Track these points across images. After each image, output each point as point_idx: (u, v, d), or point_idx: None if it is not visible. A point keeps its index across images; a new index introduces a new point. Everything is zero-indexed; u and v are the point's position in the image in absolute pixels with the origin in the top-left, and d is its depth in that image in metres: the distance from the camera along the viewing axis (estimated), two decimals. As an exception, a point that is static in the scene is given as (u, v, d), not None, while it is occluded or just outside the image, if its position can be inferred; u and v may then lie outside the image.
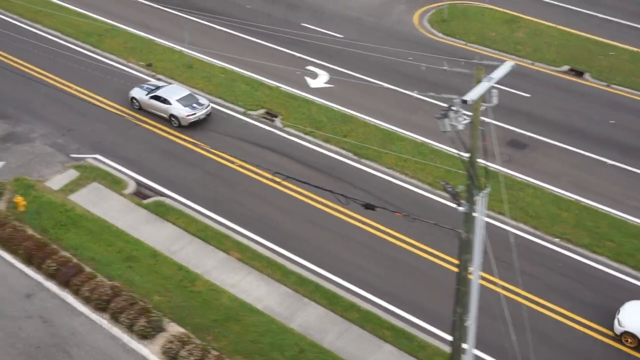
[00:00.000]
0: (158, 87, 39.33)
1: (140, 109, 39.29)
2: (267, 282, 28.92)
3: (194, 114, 37.68)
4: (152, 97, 38.51)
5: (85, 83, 41.48)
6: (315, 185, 32.95)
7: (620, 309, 26.58)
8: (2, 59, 43.75)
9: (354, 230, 31.58)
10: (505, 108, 37.13)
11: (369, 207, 23.15)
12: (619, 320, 26.17)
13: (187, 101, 38.03)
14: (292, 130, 37.95)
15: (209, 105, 38.64)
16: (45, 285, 28.80)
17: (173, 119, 37.94)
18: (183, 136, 37.29)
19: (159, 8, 50.13)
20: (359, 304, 27.89)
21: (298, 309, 27.70)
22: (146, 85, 39.83)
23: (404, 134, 37.59)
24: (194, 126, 37.94)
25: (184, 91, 38.90)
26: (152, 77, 42.38)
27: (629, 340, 25.99)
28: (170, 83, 41.02)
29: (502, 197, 31.71)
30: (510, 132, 37.66)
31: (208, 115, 38.44)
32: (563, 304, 27.94)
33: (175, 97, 38.05)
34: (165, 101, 38.06)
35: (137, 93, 39.27)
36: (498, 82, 17.75)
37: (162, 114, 38.33)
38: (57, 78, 41.98)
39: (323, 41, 45.35)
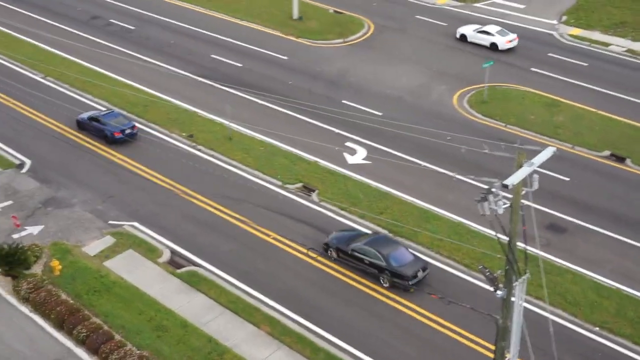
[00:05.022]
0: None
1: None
2: (296, 358, 28.38)
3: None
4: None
5: (129, 152, 42.36)
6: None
7: None
8: (51, 126, 45.04)
9: (387, 309, 31.03)
10: (544, 191, 36.61)
11: (403, 287, 22.96)
12: None
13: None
14: (328, 205, 37.97)
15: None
16: (74, 351, 28.69)
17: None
18: (221, 207, 37.55)
19: (203, 82, 51.40)
20: (390, 386, 27.18)
21: (327, 388, 27.09)
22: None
23: (440, 213, 37.33)
24: (230, 198, 38.24)
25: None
26: (193, 147, 43.12)
27: None
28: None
29: (541, 282, 30.97)
30: (550, 215, 37.11)
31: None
32: (603, 396, 26.87)
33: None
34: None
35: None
36: (538, 166, 17.65)
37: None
38: (102, 146, 42.96)
39: (363, 119, 45.78)
